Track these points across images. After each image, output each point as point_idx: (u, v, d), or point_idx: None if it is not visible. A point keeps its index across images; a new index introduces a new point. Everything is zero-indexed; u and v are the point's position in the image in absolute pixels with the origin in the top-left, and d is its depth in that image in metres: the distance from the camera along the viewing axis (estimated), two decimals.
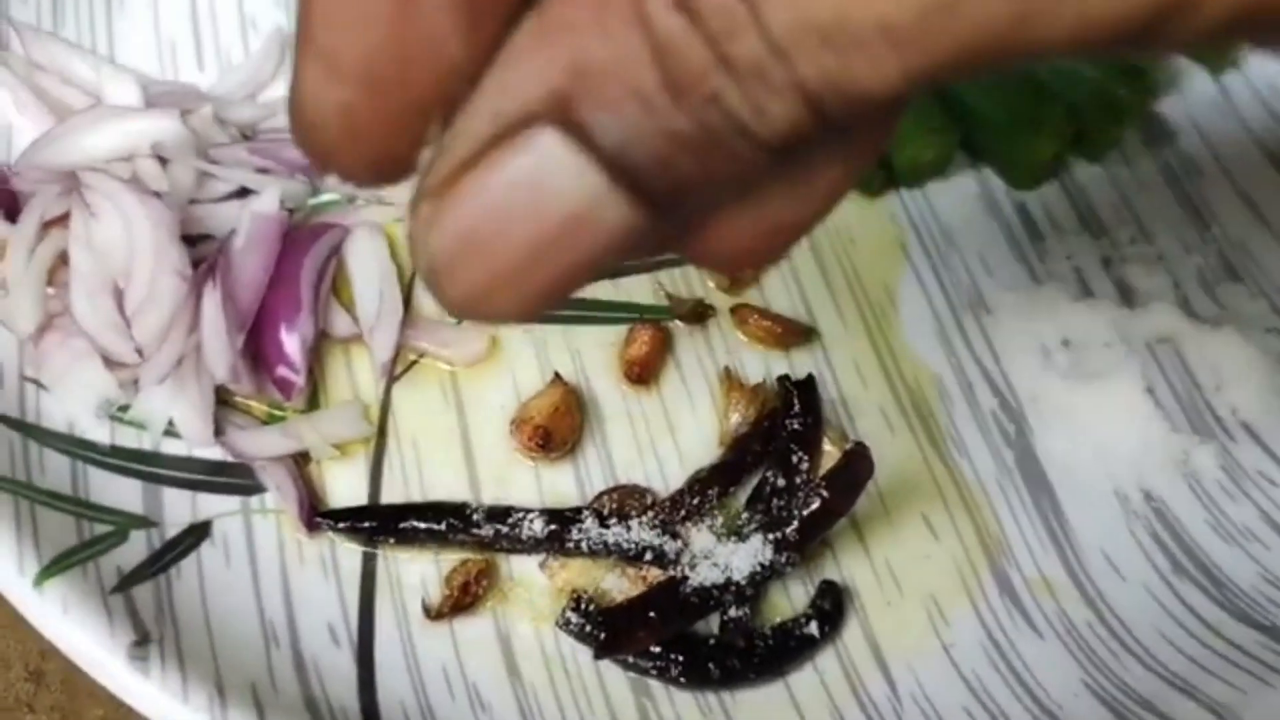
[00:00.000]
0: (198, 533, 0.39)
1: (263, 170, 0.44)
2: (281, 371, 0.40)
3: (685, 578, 0.38)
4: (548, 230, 0.19)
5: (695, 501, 0.39)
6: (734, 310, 0.44)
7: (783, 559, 0.38)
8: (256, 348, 0.41)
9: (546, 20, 0.19)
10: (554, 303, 0.20)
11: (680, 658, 0.37)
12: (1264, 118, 0.49)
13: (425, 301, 0.44)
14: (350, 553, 0.39)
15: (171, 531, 0.38)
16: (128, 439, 0.40)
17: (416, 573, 0.39)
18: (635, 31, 0.18)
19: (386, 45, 0.19)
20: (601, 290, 0.45)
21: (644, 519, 0.39)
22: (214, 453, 0.40)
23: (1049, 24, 0.17)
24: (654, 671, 0.37)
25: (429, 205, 0.19)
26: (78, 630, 0.34)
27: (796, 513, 0.37)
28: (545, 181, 0.19)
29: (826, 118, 0.18)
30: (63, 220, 0.42)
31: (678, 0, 0.17)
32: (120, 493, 0.39)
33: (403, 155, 0.20)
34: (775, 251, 0.23)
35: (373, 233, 0.44)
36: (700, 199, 0.20)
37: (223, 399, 0.41)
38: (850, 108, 0.18)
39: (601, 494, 0.40)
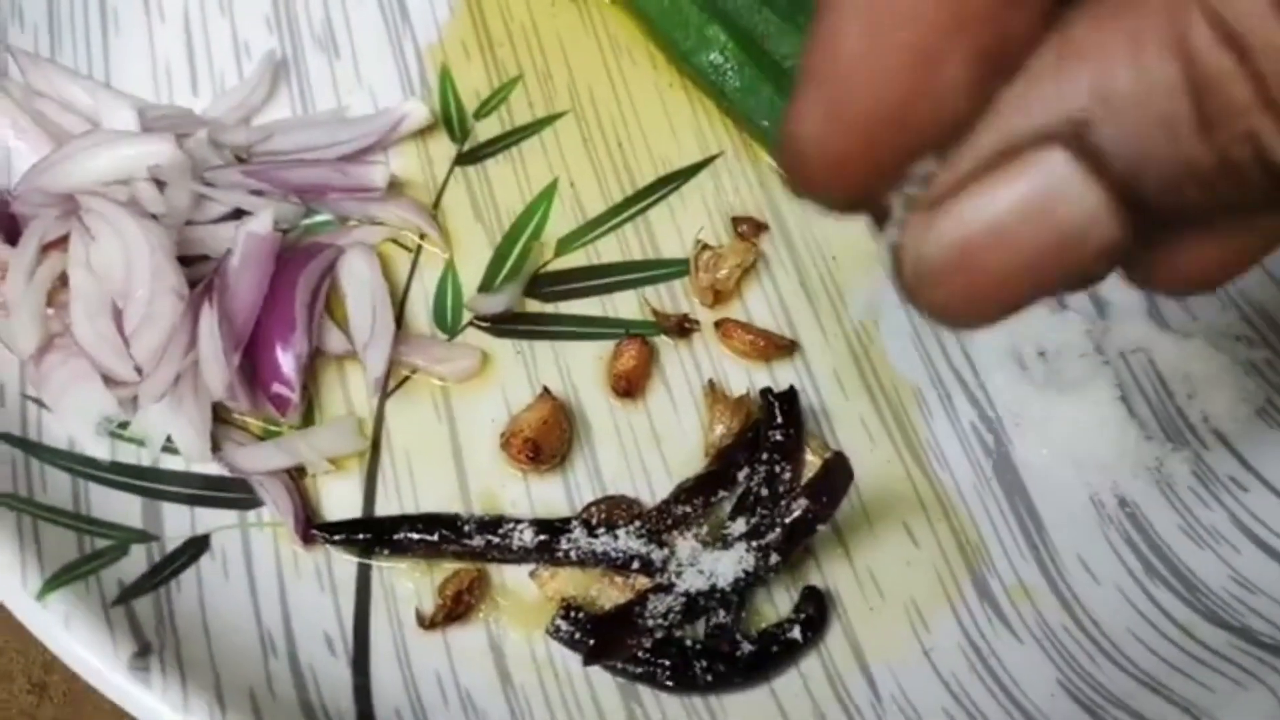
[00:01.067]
0: (196, 546, 0.40)
1: (257, 192, 0.45)
2: (277, 388, 0.41)
3: (672, 585, 0.39)
4: (1044, 247, 0.20)
5: (681, 511, 0.40)
6: (718, 324, 0.45)
7: (766, 566, 0.39)
8: (252, 365, 0.42)
9: (1072, 45, 0.19)
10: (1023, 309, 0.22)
11: (668, 663, 0.38)
12: None
13: (417, 319, 0.45)
14: (345, 564, 0.40)
15: (171, 545, 0.39)
16: (127, 455, 0.41)
17: (410, 583, 0.40)
18: (1175, 64, 0.18)
19: (898, 101, 0.20)
20: (589, 306, 0.46)
21: (631, 528, 0.40)
22: (212, 468, 0.41)
23: None
24: (642, 677, 0.38)
25: (926, 215, 0.21)
26: (80, 643, 0.35)
27: (779, 521, 0.38)
28: (1049, 200, 0.20)
29: None
30: (62, 243, 0.43)
31: (1227, 34, 0.18)
32: (120, 508, 0.40)
33: (881, 191, 0.22)
34: (1228, 276, 0.24)
35: (365, 252, 0.45)
36: (1193, 221, 0.21)
37: (219, 415, 0.42)
38: None
39: (590, 504, 0.41)
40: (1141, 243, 0.21)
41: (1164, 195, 0.19)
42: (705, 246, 0.46)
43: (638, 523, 0.40)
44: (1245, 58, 0.18)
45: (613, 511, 0.41)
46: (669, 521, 0.40)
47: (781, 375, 0.45)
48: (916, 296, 0.22)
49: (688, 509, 0.40)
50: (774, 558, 0.38)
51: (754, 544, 0.39)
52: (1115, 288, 0.47)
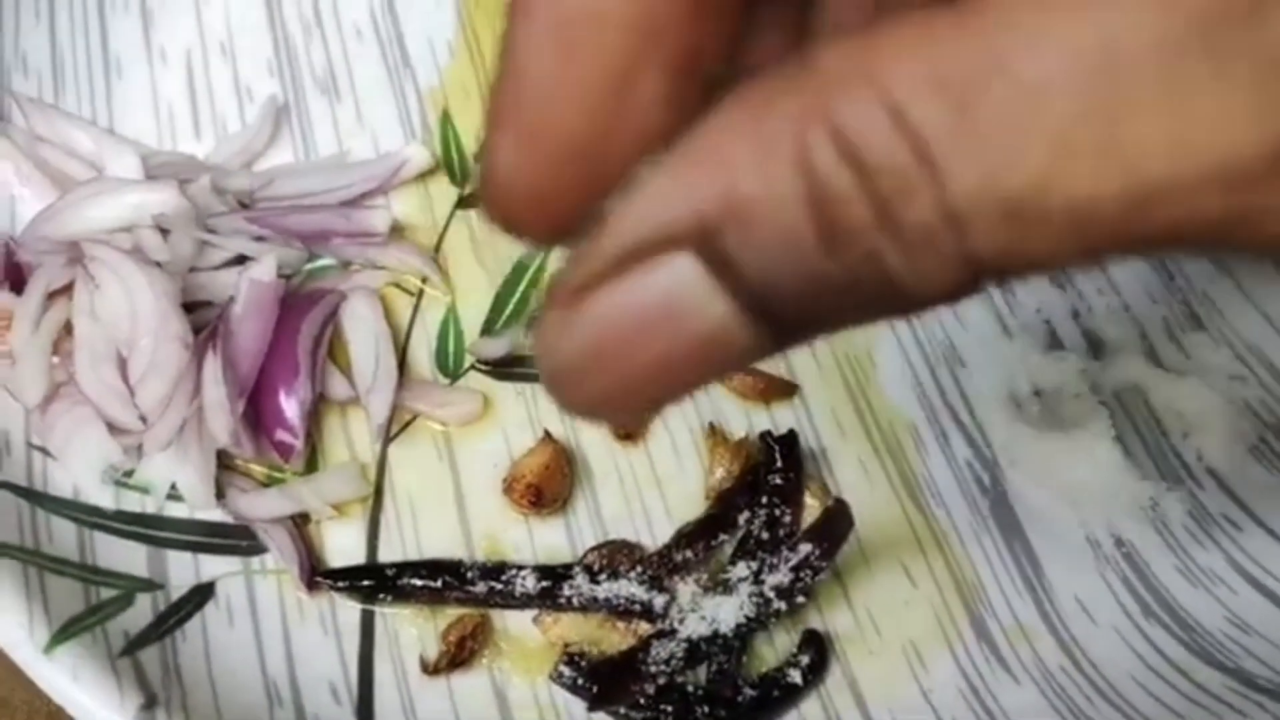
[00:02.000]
0: (202, 594, 0.40)
1: (259, 238, 0.46)
2: (280, 435, 0.42)
3: (674, 630, 0.39)
4: (674, 352, 0.19)
5: (682, 556, 0.41)
6: None
7: (768, 611, 0.39)
8: (256, 412, 0.42)
9: (701, 146, 0.19)
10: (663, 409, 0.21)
11: (670, 709, 0.38)
12: None
13: (418, 362, 0.46)
14: (350, 610, 0.41)
15: (176, 594, 0.40)
16: (132, 503, 0.41)
17: (414, 629, 0.41)
18: (797, 177, 0.17)
19: (594, 125, 0.19)
20: None
21: (633, 574, 0.40)
22: (216, 515, 0.42)
23: (1255, 231, 0.16)
24: None
25: (560, 313, 0.20)
26: (88, 696, 0.35)
27: (780, 566, 0.39)
28: (679, 305, 0.19)
29: (983, 280, 0.18)
30: (67, 290, 0.43)
31: (847, 153, 0.17)
32: (126, 556, 0.40)
33: (582, 224, 0.20)
34: None
35: (368, 297, 0.46)
36: (827, 328, 0.20)
37: (223, 462, 0.42)
38: (1012, 274, 0.18)
39: (591, 550, 0.41)
40: (781, 343, 0.20)
41: (796, 306, 0.19)
42: None
43: (640, 568, 0.40)
44: (865, 178, 0.17)
45: (614, 557, 0.41)
46: (670, 567, 0.40)
47: (781, 417, 0.45)
48: (555, 395, 0.21)
49: (689, 554, 0.41)
50: (776, 603, 0.39)
51: (755, 589, 0.39)
52: (1110, 326, 0.48)
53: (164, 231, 0.44)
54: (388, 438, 0.44)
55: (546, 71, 0.19)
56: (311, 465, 0.43)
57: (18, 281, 0.43)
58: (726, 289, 0.19)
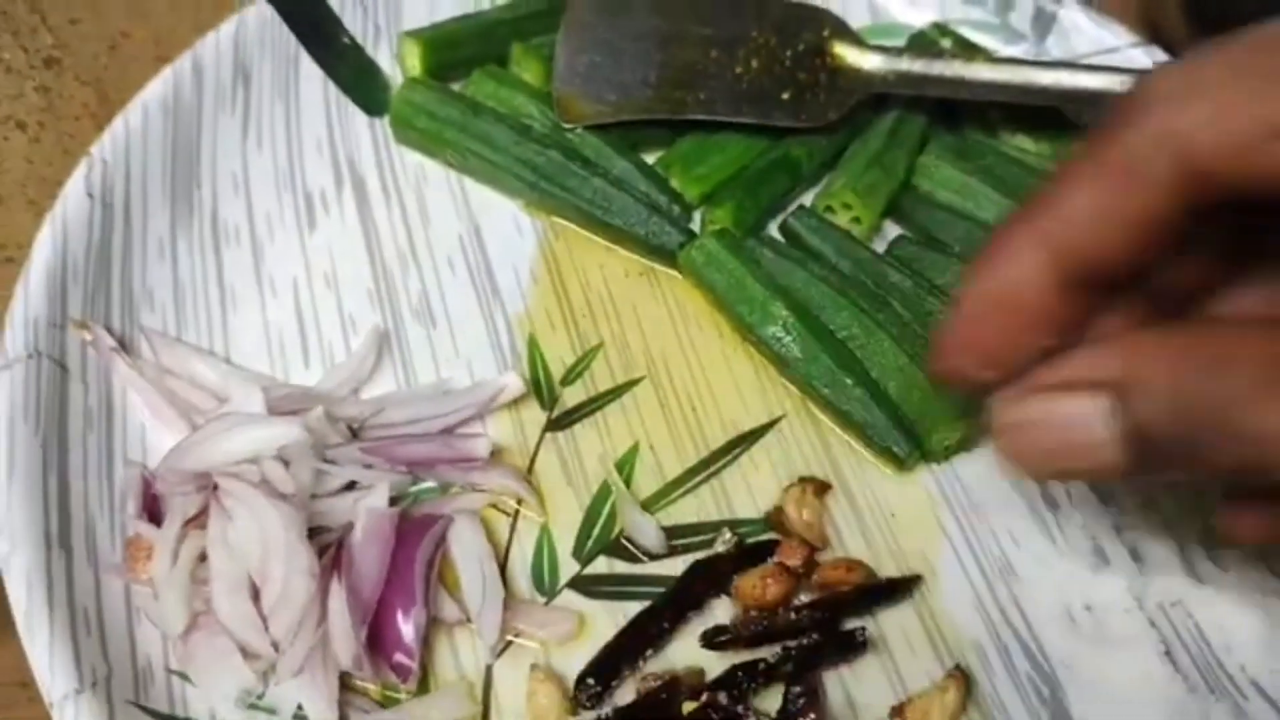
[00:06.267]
0: None
1: (368, 465, 0.50)
2: (399, 658, 0.45)
3: None
4: (1070, 443, 0.35)
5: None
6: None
7: None
8: (375, 634, 0.46)
9: (1114, 346, 0.35)
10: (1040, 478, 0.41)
11: None
12: None
13: (516, 581, 0.49)
14: None
15: None
16: None
17: None
18: (1184, 369, 0.33)
19: (1012, 342, 0.37)
20: (673, 566, 0.50)
21: None
22: None
23: None
24: None
25: (1007, 403, 0.37)
26: None
27: None
28: (1083, 418, 0.34)
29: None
30: (199, 517, 0.47)
31: (1211, 366, 0.33)
32: None
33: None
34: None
35: (472, 520, 0.49)
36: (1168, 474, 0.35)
37: (342, 682, 0.45)
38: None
39: None
40: (1134, 470, 0.35)
41: (1154, 446, 0.34)
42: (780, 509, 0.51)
43: None
44: (1216, 373, 0.33)
45: None
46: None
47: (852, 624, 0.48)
48: (1001, 447, 0.37)
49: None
50: None
51: None
52: (1151, 541, 0.52)
53: (285, 462, 0.48)
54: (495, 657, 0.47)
55: (981, 316, 0.38)
56: (423, 685, 0.46)
57: (154, 512, 0.47)
58: (1120, 420, 0.34)
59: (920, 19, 0.68)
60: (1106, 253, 0.35)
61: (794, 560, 0.49)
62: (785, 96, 0.61)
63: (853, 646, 0.47)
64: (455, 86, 0.63)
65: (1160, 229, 0.34)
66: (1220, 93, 0.32)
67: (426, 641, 0.47)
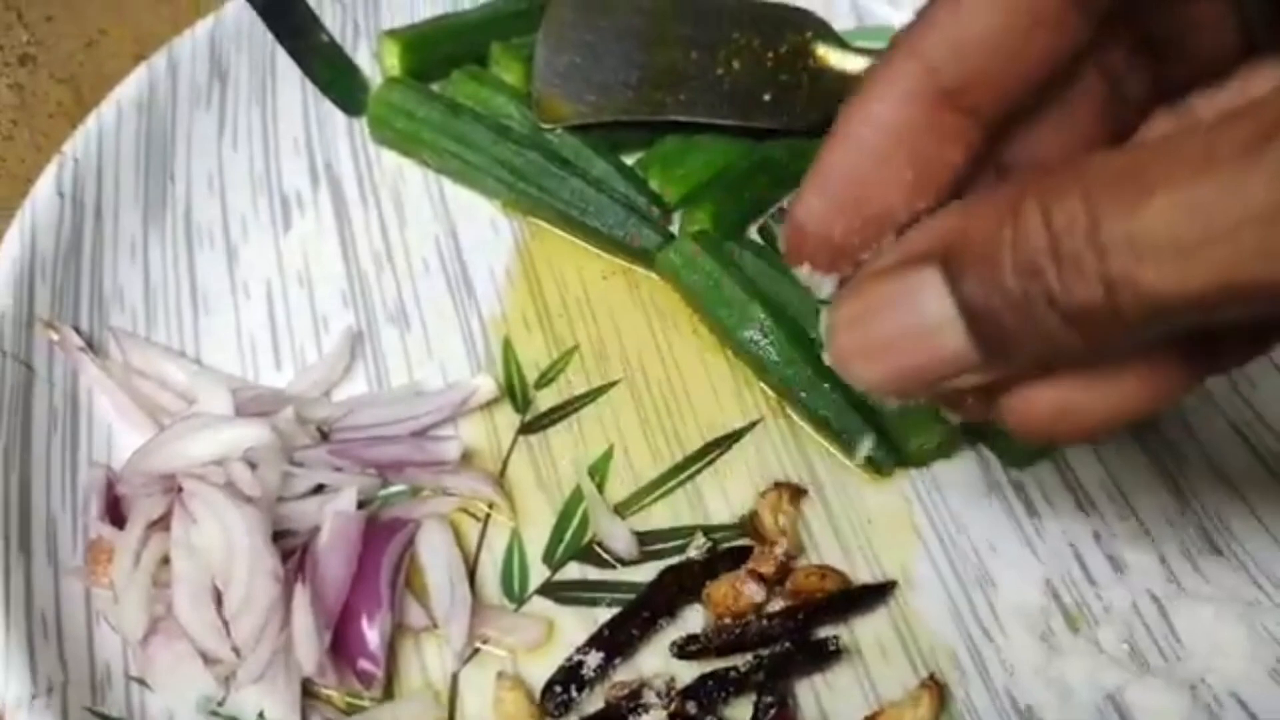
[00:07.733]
0: None
1: (337, 468, 0.49)
2: (363, 664, 0.44)
3: None
4: (906, 330, 0.29)
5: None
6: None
7: None
8: (339, 640, 0.45)
9: (959, 204, 0.30)
10: (897, 392, 0.31)
11: None
12: (1240, 406, 0.55)
13: (485, 587, 0.49)
14: None
15: None
16: None
17: None
18: (1008, 222, 0.27)
19: (868, 188, 0.32)
20: (645, 572, 0.49)
21: None
22: None
23: None
24: None
25: (843, 295, 0.31)
26: None
27: None
28: (916, 297, 0.29)
29: (1119, 314, 0.25)
30: (163, 521, 0.46)
31: (1043, 205, 0.26)
32: None
33: (853, 256, 0.32)
34: (1068, 434, 0.32)
35: (441, 524, 0.49)
36: (1017, 356, 0.28)
37: (305, 689, 0.45)
38: (1138, 311, 0.25)
39: None
40: (989, 359, 0.29)
41: (989, 318, 0.28)
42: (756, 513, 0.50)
43: None
44: (1047, 218, 0.26)
45: None
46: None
47: (823, 632, 0.48)
48: (833, 349, 0.31)
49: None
50: None
51: None
52: (1131, 549, 0.51)
53: (252, 464, 0.48)
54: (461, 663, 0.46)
55: (852, 164, 0.32)
56: (388, 692, 0.46)
57: (116, 514, 0.47)
58: (951, 295, 0.28)
59: (903, 20, 0.67)
60: (988, 62, 0.30)
61: (767, 567, 0.48)
62: (767, 98, 0.61)
63: (825, 655, 0.46)
64: (434, 86, 0.63)
65: (1048, 27, 0.30)
66: None
67: (392, 647, 0.46)
